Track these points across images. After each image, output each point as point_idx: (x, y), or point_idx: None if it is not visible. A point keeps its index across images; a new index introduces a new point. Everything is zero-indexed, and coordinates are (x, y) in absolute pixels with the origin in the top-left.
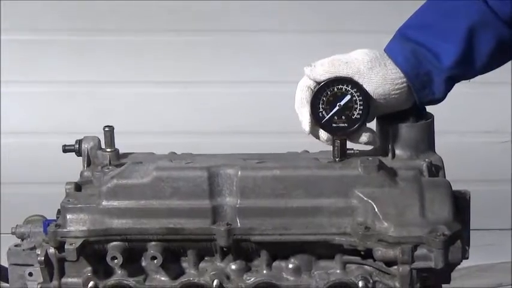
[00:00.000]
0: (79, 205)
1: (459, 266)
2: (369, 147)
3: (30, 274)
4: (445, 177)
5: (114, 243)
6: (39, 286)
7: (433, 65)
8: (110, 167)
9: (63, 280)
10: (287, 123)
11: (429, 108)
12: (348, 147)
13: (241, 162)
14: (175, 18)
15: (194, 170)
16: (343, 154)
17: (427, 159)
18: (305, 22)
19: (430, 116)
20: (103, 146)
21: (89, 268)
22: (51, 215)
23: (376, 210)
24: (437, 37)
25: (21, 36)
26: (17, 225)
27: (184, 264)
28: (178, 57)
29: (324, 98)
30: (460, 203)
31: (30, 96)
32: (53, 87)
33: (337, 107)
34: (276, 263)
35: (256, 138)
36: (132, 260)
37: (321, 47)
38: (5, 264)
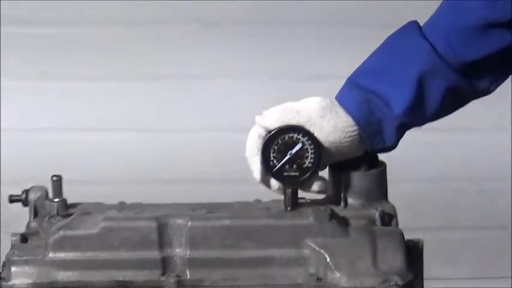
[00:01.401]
0: (24, 257)
1: None
2: (321, 196)
3: None
4: (397, 225)
5: None
6: None
7: (384, 113)
8: (58, 218)
9: None
10: None
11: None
12: (299, 196)
13: (190, 212)
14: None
15: (143, 220)
16: (294, 203)
17: (379, 208)
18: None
19: (382, 164)
20: (50, 195)
21: None
22: None
23: (328, 260)
24: (388, 84)
25: None
26: None
27: None
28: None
29: (275, 147)
30: (413, 252)
31: None
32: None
33: (288, 156)
34: None
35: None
36: None
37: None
38: None
